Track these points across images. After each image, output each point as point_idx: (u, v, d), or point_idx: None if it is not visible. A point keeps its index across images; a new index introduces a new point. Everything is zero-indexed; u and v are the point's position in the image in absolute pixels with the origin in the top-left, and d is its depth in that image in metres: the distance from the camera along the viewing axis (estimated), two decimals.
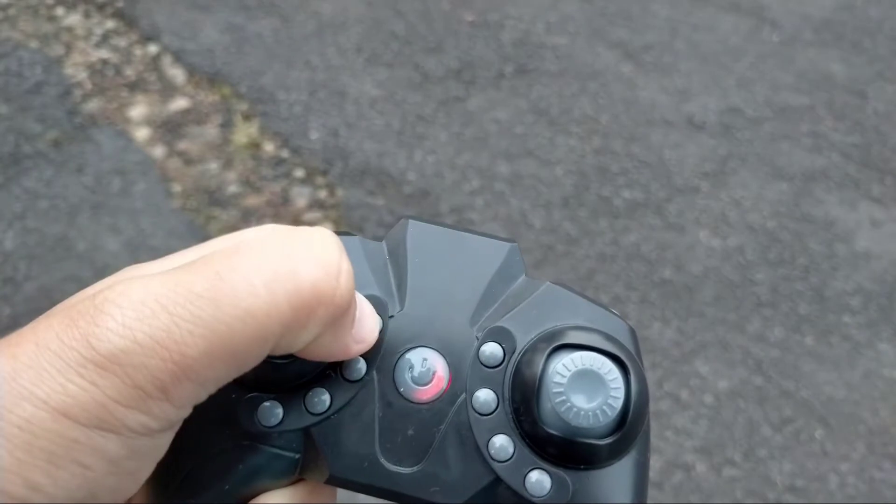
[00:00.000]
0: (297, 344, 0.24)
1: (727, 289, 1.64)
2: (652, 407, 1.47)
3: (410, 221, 0.29)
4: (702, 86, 2.07)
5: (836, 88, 2.08)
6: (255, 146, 1.86)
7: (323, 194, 1.76)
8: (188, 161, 1.81)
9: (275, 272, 0.22)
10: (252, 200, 1.74)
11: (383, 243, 0.29)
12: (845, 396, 1.48)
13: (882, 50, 2.21)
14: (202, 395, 0.23)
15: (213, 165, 1.81)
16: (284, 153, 1.84)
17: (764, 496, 1.35)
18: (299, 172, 1.80)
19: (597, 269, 1.65)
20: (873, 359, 1.54)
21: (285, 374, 0.26)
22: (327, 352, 0.25)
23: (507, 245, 0.29)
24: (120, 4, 2.16)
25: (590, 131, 1.93)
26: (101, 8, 2.16)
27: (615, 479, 0.26)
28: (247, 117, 1.91)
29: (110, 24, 2.12)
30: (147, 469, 0.23)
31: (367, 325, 0.26)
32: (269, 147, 1.86)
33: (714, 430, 1.43)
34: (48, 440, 0.21)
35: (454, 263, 0.29)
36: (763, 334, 1.57)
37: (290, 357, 0.26)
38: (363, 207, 1.73)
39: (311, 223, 1.65)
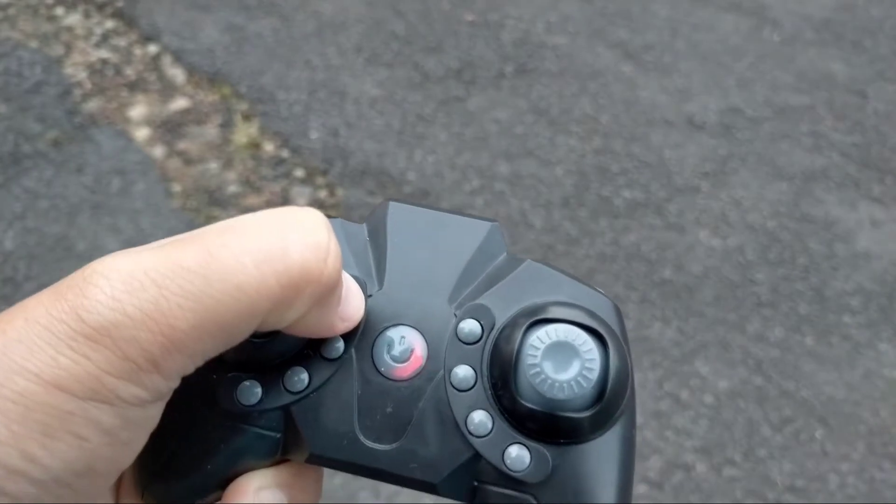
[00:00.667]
0: (285, 320, 0.24)
1: (727, 289, 1.64)
2: (652, 407, 1.47)
3: (391, 203, 0.29)
4: (702, 86, 2.07)
5: (836, 88, 2.08)
6: (255, 146, 1.86)
7: (323, 194, 1.76)
8: (188, 161, 1.81)
9: (265, 251, 0.22)
10: (252, 200, 1.74)
11: (364, 225, 0.30)
12: (845, 396, 1.48)
13: (882, 50, 2.21)
14: (191, 368, 0.23)
15: (213, 165, 1.81)
16: (284, 153, 1.84)
17: (764, 496, 1.35)
18: (299, 172, 1.80)
19: (597, 269, 1.65)
20: (873, 359, 1.54)
21: (265, 353, 0.26)
22: (313, 329, 0.25)
23: (488, 224, 0.29)
24: (120, 4, 2.16)
25: (590, 131, 1.93)
26: (100, 8, 2.16)
27: (597, 454, 0.25)
28: (247, 117, 1.91)
29: (110, 23, 2.12)
30: (141, 439, 0.24)
31: (352, 304, 0.27)
32: (269, 147, 1.85)
33: (714, 430, 1.43)
34: (43, 413, 0.21)
35: (434, 243, 0.28)
36: (763, 334, 1.57)
37: (270, 336, 0.26)
38: (363, 207, 1.73)
39: None
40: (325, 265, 0.23)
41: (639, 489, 1.34)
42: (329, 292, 0.24)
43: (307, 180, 1.79)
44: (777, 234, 1.74)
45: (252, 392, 0.26)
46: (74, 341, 0.21)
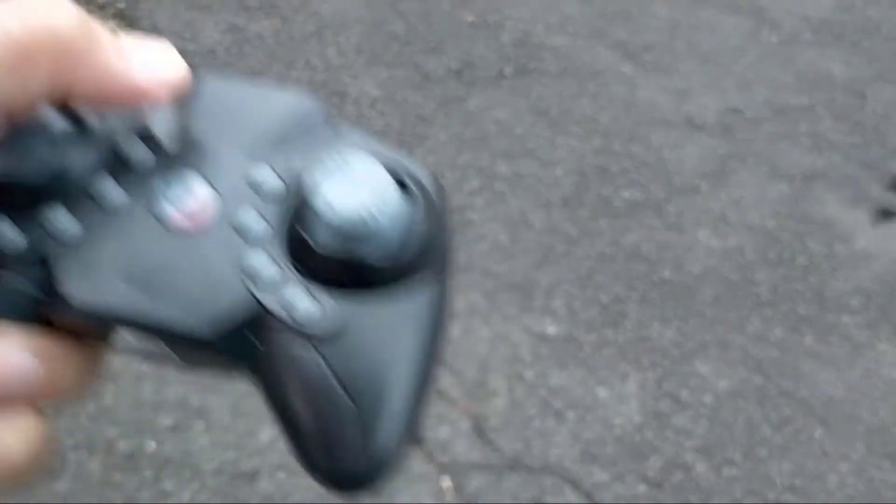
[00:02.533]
0: (29, 85, 0.22)
1: (727, 289, 1.64)
2: (652, 407, 1.48)
3: (203, 72, 0.28)
4: (702, 86, 2.07)
5: (835, 88, 2.09)
6: None
7: None
8: None
9: None
10: None
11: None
12: (845, 396, 1.49)
13: (881, 50, 2.21)
14: None
15: None
16: None
17: (764, 496, 1.35)
18: None
19: (597, 269, 1.65)
20: (873, 359, 1.55)
21: (11, 176, 0.23)
22: (99, 88, 0.23)
23: (304, 93, 0.27)
24: (121, 5, 2.16)
25: (590, 131, 1.93)
26: (102, 8, 2.16)
27: (394, 313, 0.23)
28: None
29: (111, 24, 2.13)
30: None
31: (153, 59, 0.24)
32: None
33: (714, 429, 1.43)
34: None
35: (244, 106, 0.27)
36: (763, 334, 1.57)
37: (18, 166, 0.23)
38: None
39: None
40: (52, 11, 0.22)
41: (638, 489, 1.35)
42: (69, 42, 0.22)
43: None
44: (777, 235, 1.75)
45: (9, 238, 0.23)
46: None
